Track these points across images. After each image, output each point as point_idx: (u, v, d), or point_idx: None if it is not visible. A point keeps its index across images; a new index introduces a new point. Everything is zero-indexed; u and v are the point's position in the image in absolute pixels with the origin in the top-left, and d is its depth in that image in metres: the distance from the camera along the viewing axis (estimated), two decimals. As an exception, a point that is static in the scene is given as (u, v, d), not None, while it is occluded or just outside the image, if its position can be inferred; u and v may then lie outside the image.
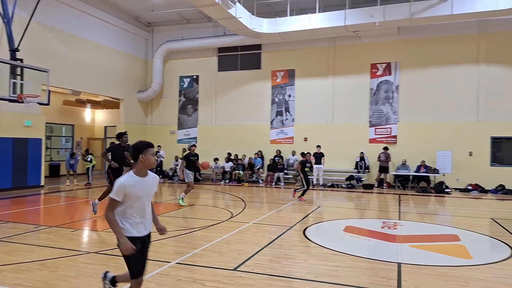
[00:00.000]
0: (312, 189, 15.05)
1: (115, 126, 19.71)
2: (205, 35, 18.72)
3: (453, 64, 15.30)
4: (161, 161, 17.92)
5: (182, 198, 10.43)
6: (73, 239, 6.62)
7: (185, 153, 11.36)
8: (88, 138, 21.26)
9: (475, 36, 14.99)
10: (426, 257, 5.72)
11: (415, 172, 15.05)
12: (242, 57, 18.67)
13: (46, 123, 15.28)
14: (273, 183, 16.25)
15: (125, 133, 8.67)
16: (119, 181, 3.20)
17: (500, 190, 14.05)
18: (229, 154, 17.85)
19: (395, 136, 16.03)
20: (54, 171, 18.52)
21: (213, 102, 19.18)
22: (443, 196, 13.46)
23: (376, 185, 15.66)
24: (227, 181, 17.06)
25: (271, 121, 18.07)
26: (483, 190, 14.34)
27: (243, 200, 11.72)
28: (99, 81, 17.09)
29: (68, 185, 14.83)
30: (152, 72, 19.62)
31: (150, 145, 3.29)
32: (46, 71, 12.19)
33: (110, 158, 8.51)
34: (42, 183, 14.31)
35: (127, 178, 3.22)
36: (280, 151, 17.32)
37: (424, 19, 14.03)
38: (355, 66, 16.69)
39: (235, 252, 5.84)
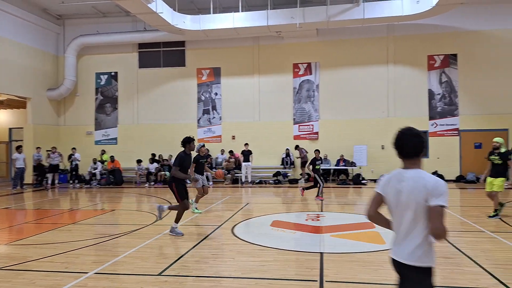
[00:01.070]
0: (241, 187, 15.17)
1: (21, 127, 17.74)
2: (124, 29, 17.72)
3: (366, 65, 16.54)
4: (76, 165, 16.52)
5: (196, 208, 9.26)
6: (-33, 257, 5.75)
7: (194, 155, 10.04)
8: (-12, 142, 18.82)
9: (384, 39, 16.37)
10: (346, 245, 6.06)
11: (335, 166, 16.00)
12: (165, 53, 18.05)
13: None
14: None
15: (193, 139, 7.12)
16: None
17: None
18: (154, 155, 17.15)
19: (317, 133, 16.85)
20: None
21: (135, 101, 18.26)
22: (360, 187, 14.51)
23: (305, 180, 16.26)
24: (152, 183, 16.37)
25: (198, 120, 17.78)
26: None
27: (169, 202, 11.32)
28: (1, 79, 15.21)
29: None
30: (64, 69, 18.01)
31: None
32: None
33: (186, 171, 6.98)
34: None
35: None
36: (208, 150, 17.09)
37: (340, 22, 14.94)
38: (279, 66, 17.16)
39: (160, 256, 5.59)
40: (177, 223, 6.92)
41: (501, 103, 15.44)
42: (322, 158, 16.12)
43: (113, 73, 18.46)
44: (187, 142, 7.00)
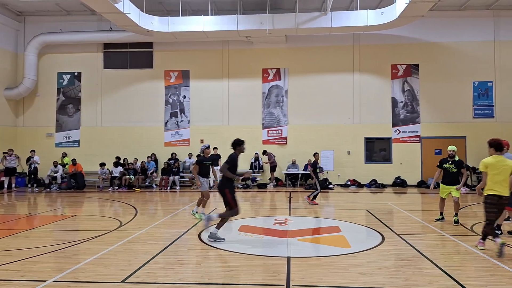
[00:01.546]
0: (210, 191, 14.97)
1: (-26, 128, 16.68)
2: (89, 28, 17.14)
3: (334, 72, 16.94)
4: (35, 168, 15.72)
5: (197, 212, 8.95)
6: None
7: (198, 157, 9.47)
8: None
9: (350, 47, 16.84)
10: (312, 249, 6.13)
11: (303, 170, 16.21)
12: (131, 54, 17.63)
13: None
14: (168, 187, 15.68)
15: (243, 141, 7.07)
16: None
17: (373, 184, 16.02)
18: (118, 158, 16.62)
19: (285, 138, 17.01)
20: None
21: (99, 102, 17.67)
22: (327, 192, 14.76)
23: (273, 184, 16.33)
24: (116, 187, 15.84)
25: (165, 123, 17.46)
26: (359, 185, 16.19)
27: (134, 207, 11.01)
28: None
29: None
30: (24, 67, 17.15)
31: None
32: None
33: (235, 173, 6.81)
34: None
35: None
36: (175, 153, 16.84)
37: (308, 30, 15.22)
38: (248, 70, 17.22)
39: (124, 263, 5.40)
40: (219, 229, 6.63)
41: (459, 111, 16.29)
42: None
43: (76, 73, 17.79)
44: (238, 144, 6.89)
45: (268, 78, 17.21)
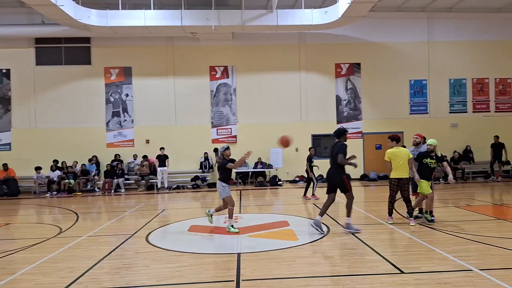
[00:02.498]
0: (157, 193, 14.61)
1: None
2: (18, 22, 15.80)
3: (281, 71, 17.23)
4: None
5: (232, 226, 7.39)
6: None
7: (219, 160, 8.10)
8: None
9: (296, 46, 17.24)
10: (262, 244, 6.20)
11: (253, 168, 16.36)
12: (67, 50, 16.56)
13: None
14: (112, 191, 14.99)
15: (347, 130, 7.33)
16: None
17: (320, 179, 16.55)
18: (56, 161, 15.55)
19: (235, 136, 17.02)
20: None
21: (32, 102, 16.39)
22: (277, 188, 15.03)
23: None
24: (55, 192, 14.82)
25: (107, 123, 16.66)
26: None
27: (75, 212, 10.39)
28: None
29: None
30: None
31: None
32: None
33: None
34: None
35: None
36: (119, 155, 16.14)
37: (254, 27, 15.32)
38: (195, 68, 16.96)
39: (65, 270, 5.08)
40: (350, 216, 6.90)
41: (397, 108, 17.36)
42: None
43: (4, 70, 16.36)
44: (343, 133, 7.04)
45: (216, 76, 17.10)
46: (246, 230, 7.34)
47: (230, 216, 7.20)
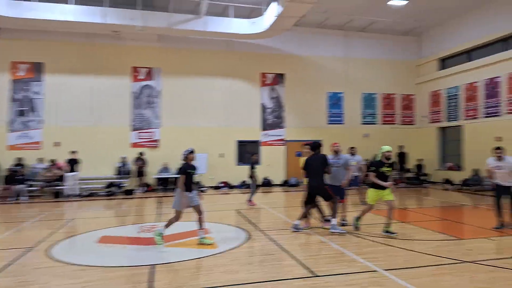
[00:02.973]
0: (66, 201, 13.33)
1: None
2: None
3: (208, 76, 17.07)
4: None
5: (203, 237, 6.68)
6: None
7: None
8: None
9: (224, 53, 17.25)
10: (179, 254, 5.96)
11: (176, 174, 15.83)
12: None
13: None
14: (13, 199, 13.30)
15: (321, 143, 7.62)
16: None
17: (244, 185, 16.68)
18: None
19: (157, 140, 16.37)
20: None
21: None
22: (200, 194, 14.68)
23: (142, 190, 15.44)
24: None
25: (10, 123, 14.87)
26: (231, 186, 16.66)
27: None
28: None
29: None
30: None
31: None
32: None
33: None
34: None
35: None
36: (22, 158, 14.47)
37: (182, 31, 14.99)
38: (117, 68, 16.01)
39: None
40: (335, 218, 7.20)
41: (317, 118, 18.30)
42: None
43: None
44: (319, 145, 7.48)
45: (139, 77, 16.32)
46: (163, 239, 6.99)
47: (167, 226, 6.61)
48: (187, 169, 6.53)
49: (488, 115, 15.41)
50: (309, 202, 7.53)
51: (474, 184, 14.79)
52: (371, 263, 5.27)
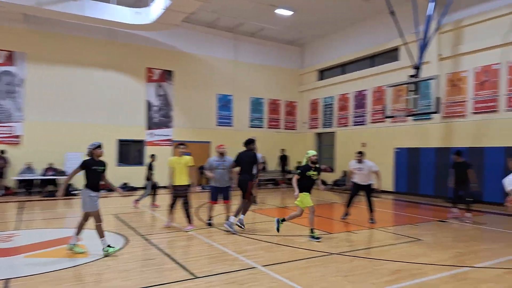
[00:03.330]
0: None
1: None
2: None
3: (86, 66, 15.44)
4: None
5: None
6: None
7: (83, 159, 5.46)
8: None
9: (106, 42, 15.84)
10: (42, 265, 5.17)
11: (43, 175, 13.91)
12: None
13: None
14: None
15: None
16: None
17: (125, 187, 15.57)
18: None
19: (18, 136, 14.12)
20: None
21: None
22: (71, 199, 13.17)
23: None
24: None
25: None
26: (110, 189, 15.34)
27: None
28: None
29: None
30: None
31: None
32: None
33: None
34: None
35: None
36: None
37: (53, 13, 13.20)
38: (-34, 47, 13.32)
39: None
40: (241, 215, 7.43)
41: (206, 119, 18.22)
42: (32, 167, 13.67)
43: None
44: (253, 141, 7.73)
45: (-3, 62, 13.87)
46: (23, 249, 6.05)
47: (102, 235, 5.82)
48: (91, 165, 5.82)
49: (356, 123, 17.55)
50: (173, 204, 7.95)
51: (343, 184, 16.65)
52: (251, 260, 5.39)
